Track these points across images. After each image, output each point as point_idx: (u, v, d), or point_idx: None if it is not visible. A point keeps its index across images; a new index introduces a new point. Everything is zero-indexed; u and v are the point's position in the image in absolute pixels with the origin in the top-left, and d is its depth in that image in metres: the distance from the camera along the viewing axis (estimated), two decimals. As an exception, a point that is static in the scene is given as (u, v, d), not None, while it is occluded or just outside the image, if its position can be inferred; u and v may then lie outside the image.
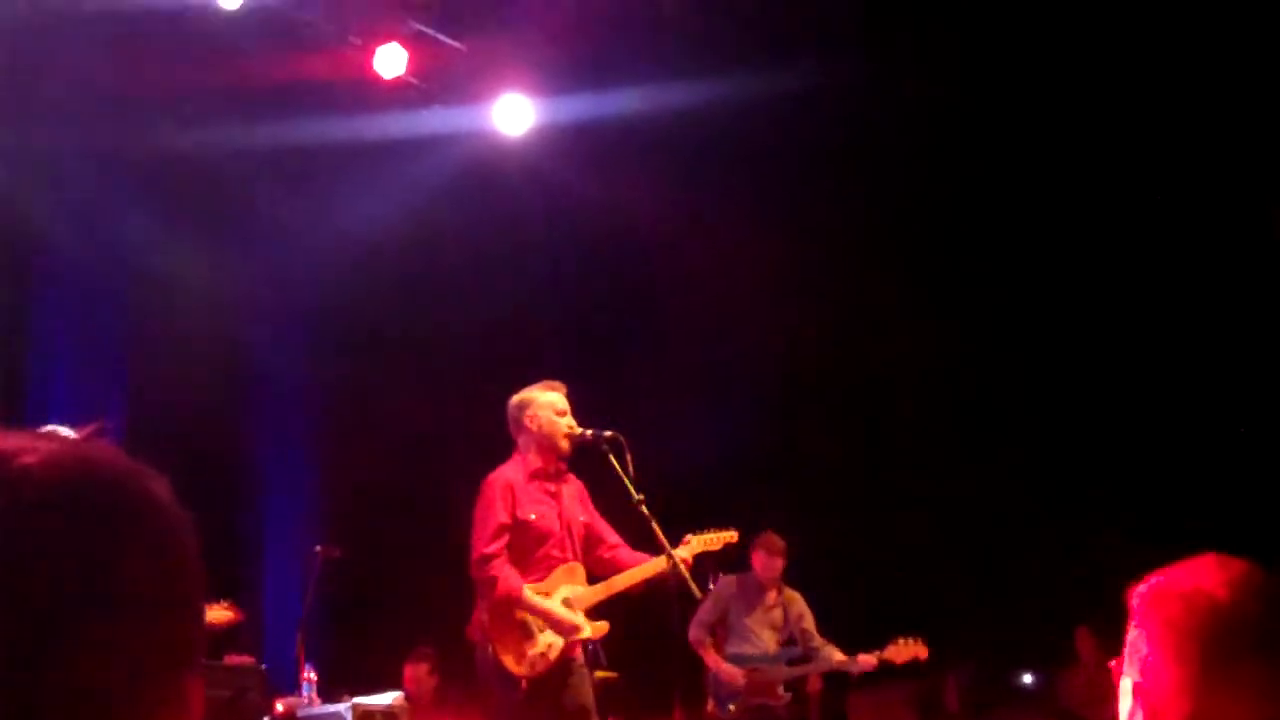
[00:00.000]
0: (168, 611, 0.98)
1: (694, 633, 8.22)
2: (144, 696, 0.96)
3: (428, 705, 8.49)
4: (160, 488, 1.01)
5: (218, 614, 6.50)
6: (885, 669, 8.35)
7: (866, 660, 8.20)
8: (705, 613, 8.17)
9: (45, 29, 7.72)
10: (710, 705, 8.34)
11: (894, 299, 10.77)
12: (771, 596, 8.45)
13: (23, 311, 9.07)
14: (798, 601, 8.50)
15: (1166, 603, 1.88)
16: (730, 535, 6.94)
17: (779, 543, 8.30)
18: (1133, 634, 1.92)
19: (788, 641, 8.42)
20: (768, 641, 8.36)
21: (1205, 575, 1.88)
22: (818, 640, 8.38)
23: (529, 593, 5.92)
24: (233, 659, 7.34)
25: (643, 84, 9.63)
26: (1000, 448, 10.62)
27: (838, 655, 8.28)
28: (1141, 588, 1.93)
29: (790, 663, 8.37)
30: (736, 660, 8.31)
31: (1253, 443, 9.96)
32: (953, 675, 10.03)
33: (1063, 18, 9.53)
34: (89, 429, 1.05)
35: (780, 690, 8.31)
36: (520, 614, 5.91)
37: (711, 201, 10.53)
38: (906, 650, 8.16)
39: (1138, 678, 1.90)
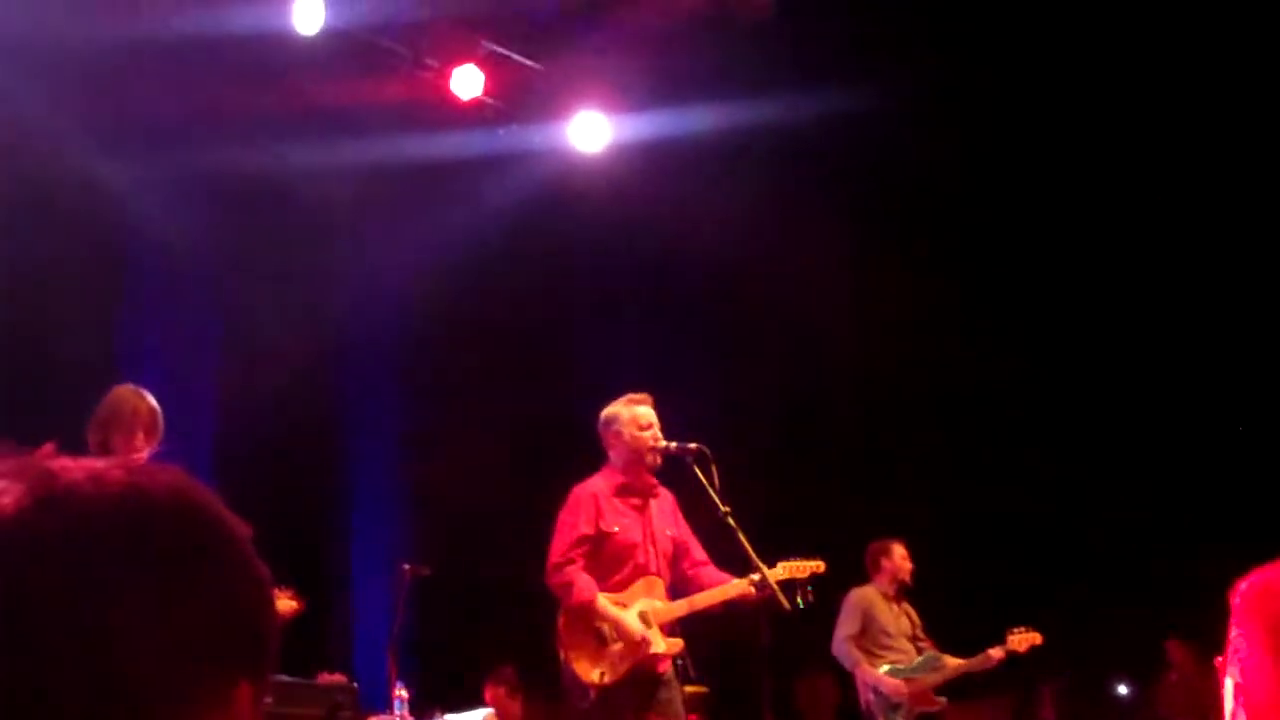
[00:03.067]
0: (223, 620, 0.99)
1: (840, 648, 8.06)
2: (184, 696, 0.96)
3: None
4: (208, 497, 1.02)
5: (280, 604, 6.13)
6: (981, 681, 8.21)
7: (995, 653, 8.07)
8: (848, 625, 8.06)
9: (132, 56, 7.92)
10: None
11: (984, 315, 10.65)
12: (896, 604, 8.34)
13: (111, 333, 9.24)
14: (912, 610, 8.37)
15: (1265, 602, 1.87)
16: (817, 565, 6.87)
17: (905, 549, 8.16)
18: (1233, 634, 1.90)
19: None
20: (909, 650, 8.19)
21: (1303, 573, 1.86)
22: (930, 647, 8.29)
23: (603, 600, 5.90)
24: (325, 677, 7.42)
25: (720, 100, 9.62)
26: (1094, 457, 10.47)
27: (954, 659, 8.16)
28: (1242, 586, 1.91)
29: (933, 669, 8.21)
30: (890, 672, 8.11)
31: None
32: (1048, 686, 9.88)
33: (1138, 37, 9.45)
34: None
35: (934, 696, 8.12)
36: (596, 622, 5.91)
37: (790, 219, 10.48)
38: (1025, 639, 8.05)
39: (1239, 678, 1.89)
